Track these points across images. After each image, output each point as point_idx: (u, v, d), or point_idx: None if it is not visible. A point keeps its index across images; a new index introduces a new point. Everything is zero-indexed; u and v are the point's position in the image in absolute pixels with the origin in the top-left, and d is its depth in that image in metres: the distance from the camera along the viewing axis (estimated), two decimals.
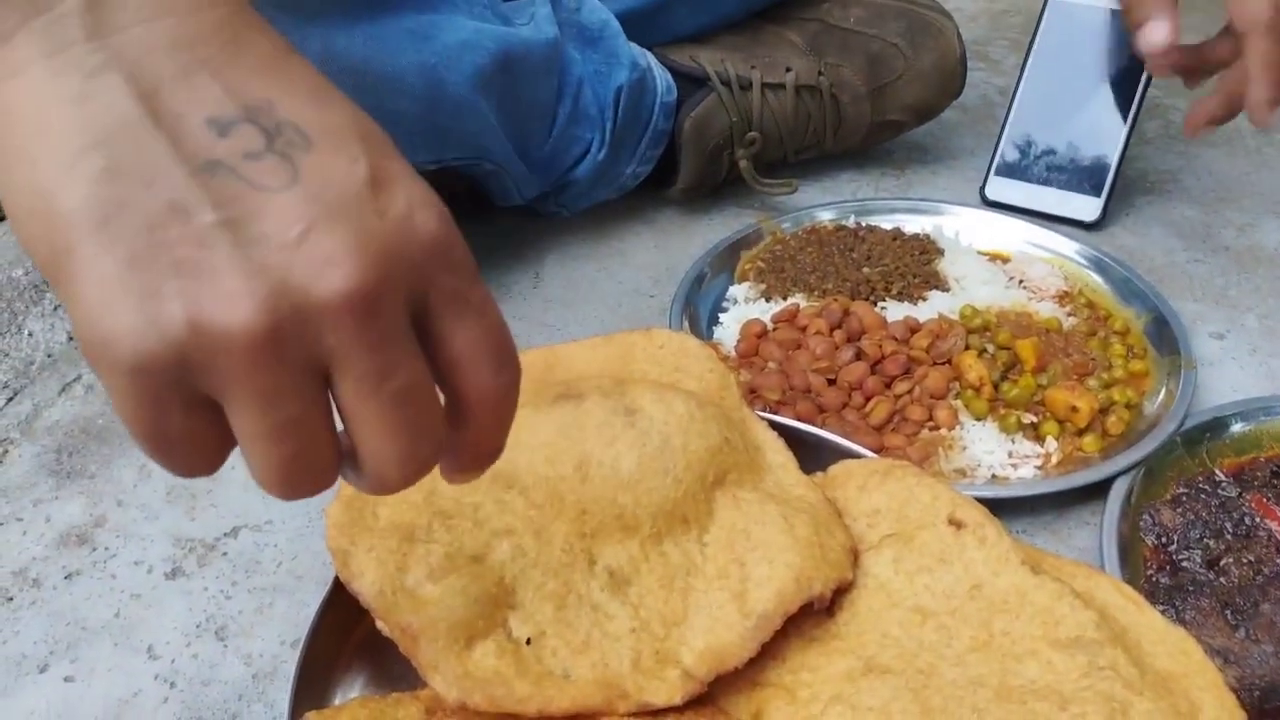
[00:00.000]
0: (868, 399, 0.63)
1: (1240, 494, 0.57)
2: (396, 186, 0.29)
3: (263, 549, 0.57)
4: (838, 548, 0.45)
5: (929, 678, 0.41)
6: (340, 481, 0.31)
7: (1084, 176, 0.82)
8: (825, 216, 0.82)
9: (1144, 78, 0.78)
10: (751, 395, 0.63)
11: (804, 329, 0.68)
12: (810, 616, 0.44)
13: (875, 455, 0.53)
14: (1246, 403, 0.62)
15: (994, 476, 0.59)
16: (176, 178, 0.27)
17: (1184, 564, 0.54)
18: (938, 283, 0.74)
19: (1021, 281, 0.75)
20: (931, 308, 0.71)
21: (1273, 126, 0.70)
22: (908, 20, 0.84)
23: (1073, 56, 0.81)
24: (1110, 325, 0.70)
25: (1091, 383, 0.64)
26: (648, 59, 0.79)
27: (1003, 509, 0.52)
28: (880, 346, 0.65)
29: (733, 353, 0.68)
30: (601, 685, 0.41)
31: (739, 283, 0.76)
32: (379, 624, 0.42)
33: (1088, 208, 0.82)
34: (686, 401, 0.49)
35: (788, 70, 0.82)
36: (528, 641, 0.42)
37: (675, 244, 0.82)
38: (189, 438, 0.28)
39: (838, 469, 0.51)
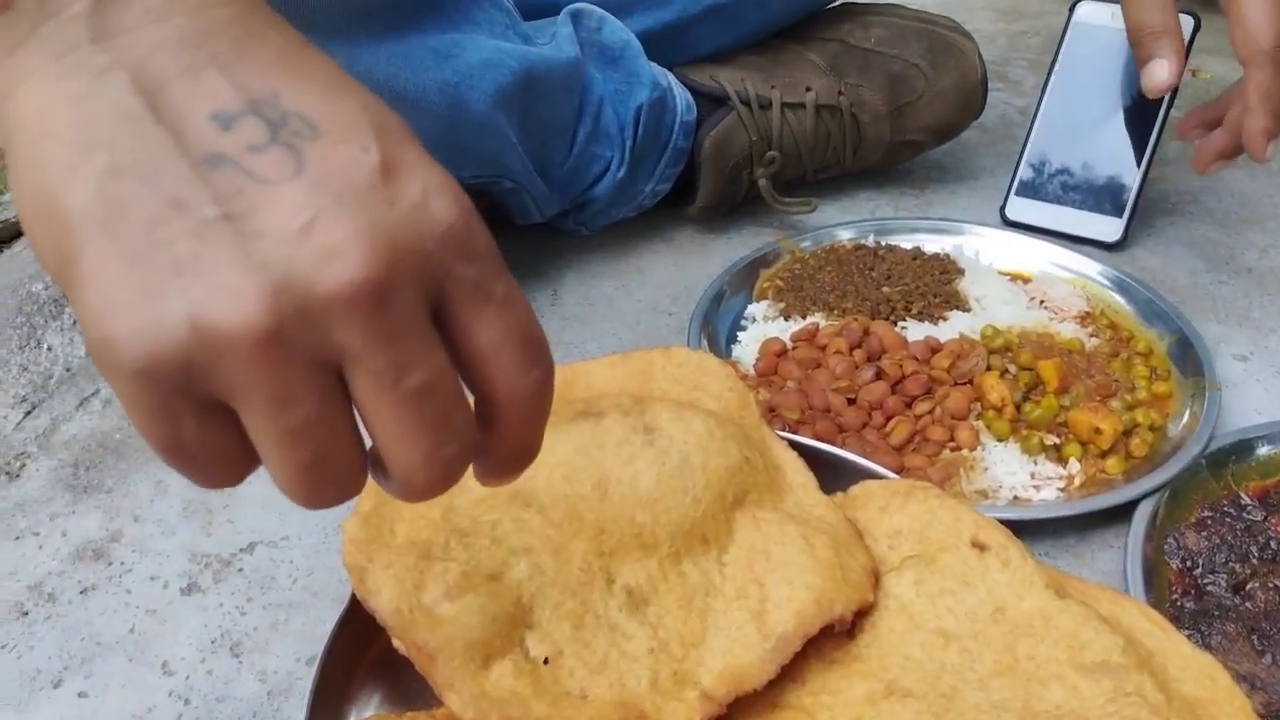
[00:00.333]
0: (888, 419, 0.62)
1: (1266, 517, 0.56)
2: (411, 174, 0.28)
3: (278, 565, 0.57)
4: (859, 569, 0.45)
5: (951, 701, 0.41)
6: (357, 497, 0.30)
7: (1105, 197, 0.81)
8: (845, 235, 0.81)
9: (1166, 99, 0.78)
10: (771, 414, 0.63)
11: (824, 348, 0.67)
12: (831, 638, 0.44)
13: (896, 476, 0.52)
14: (1272, 425, 0.61)
15: (1016, 498, 0.59)
16: (178, 173, 0.26)
17: (1209, 588, 0.53)
18: (958, 303, 0.73)
19: (1043, 302, 0.74)
20: (952, 328, 0.70)
21: (1270, 161, 0.69)
22: (929, 41, 0.84)
23: (1094, 78, 0.81)
24: (1133, 346, 0.69)
25: (1115, 404, 0.63)
26: (668, 78, 0.79)
27: (1024, 531, 0.51)
28: (901, 366, 0.65)
29: (751, 371, 0.68)
30: (619, 706, 0.40)
31: (757, 301, 0.75)
32: (395, 642, 0.41)
33: (1109, 228, 0.81)
34: (706, 420, 0.48)
35: (808, 90, 0.82)
36: (545, 661, 0.42)
37: (694, 262, 0.82)
38: (206, 445, 0.27)
39: (858, 489, 0.50)
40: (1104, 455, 0.60)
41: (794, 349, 0.68)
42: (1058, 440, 0.61)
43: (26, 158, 0.27)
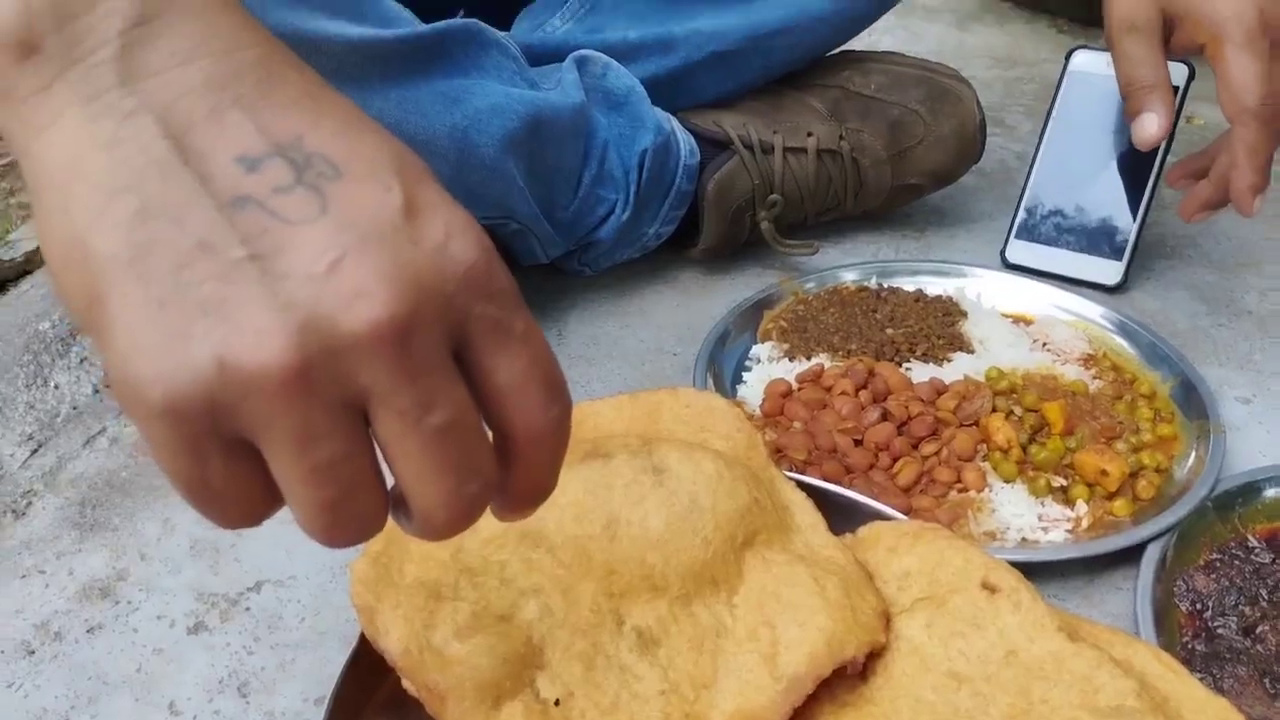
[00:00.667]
0: (895, 460, 0.62)
1: (1274, 560, 0.56)
2: (433, 214, 0.28)
3: (285, 604, 0.56)
4: (869, 610, 0.45)
5: None
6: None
7: (1104, 240, 0.82)
8: (848, 277, 0.82)
9: (1162, 144, 0.79)
10: (777, 455, 0.63)
11: (829, 389, 0.68)
12: (843, 680, 0.44)
13: (904, 517, 0.52)
14: (1277, 468, 0.62)
15: (1024, 540, 0.59)
16: (205, 215, 0.26)
17: (1220, 631, 0.53)
18: (962, 344, 0.74)
19: (1045, 344, 0.75)
20: (956, 369, 0.71)
21: (1256, 215, 0.70)
22: (928, 88, 0.86)
23: (1091, 125, 0.82)
24: (1136, 389, 0.70)
25: (1120, 446, 0.63)
26: (672, 123, 0.80)
27: (1033, 573, 0.51)
28: (906, 407, 0.65)
29: (757, 412, 0.68)
30: None
31: (762, 342, 0.76)
32: (405, 682, 0.41)
33: (1109, 271, 0.82)
34: (715, 461, 0.49)
35: (809, 134, 0.83)
36: (556, 702, 0.41)
37: (698, 303, 0.82)
38: (230, 485, 0.27)
39: (867, 531, 0.50)
40: (1111, 497, 0.60)
41: (799, 390, 0.69)
42: (1065, 482, 0.62)
43: (54, 200, 0.27)
